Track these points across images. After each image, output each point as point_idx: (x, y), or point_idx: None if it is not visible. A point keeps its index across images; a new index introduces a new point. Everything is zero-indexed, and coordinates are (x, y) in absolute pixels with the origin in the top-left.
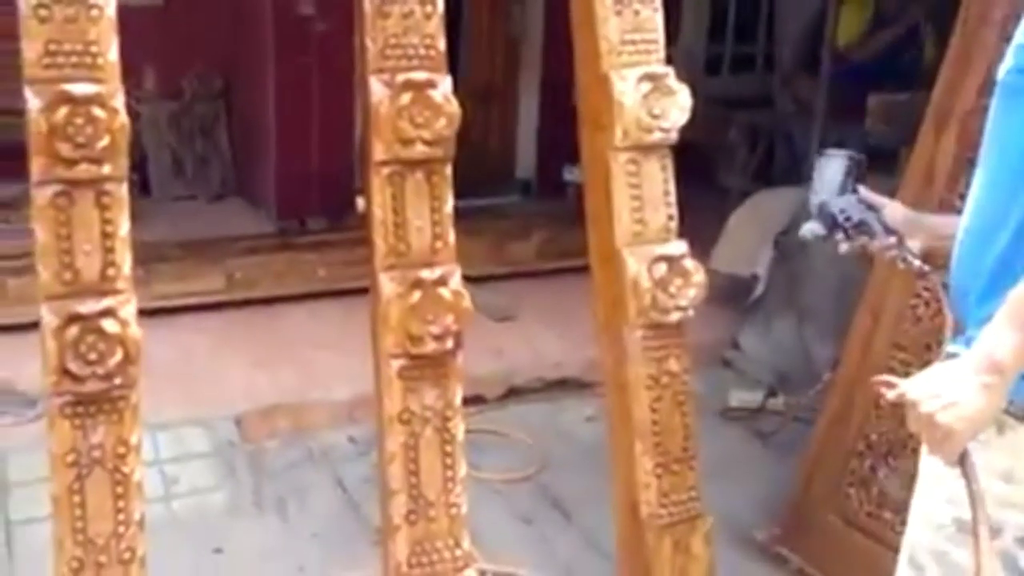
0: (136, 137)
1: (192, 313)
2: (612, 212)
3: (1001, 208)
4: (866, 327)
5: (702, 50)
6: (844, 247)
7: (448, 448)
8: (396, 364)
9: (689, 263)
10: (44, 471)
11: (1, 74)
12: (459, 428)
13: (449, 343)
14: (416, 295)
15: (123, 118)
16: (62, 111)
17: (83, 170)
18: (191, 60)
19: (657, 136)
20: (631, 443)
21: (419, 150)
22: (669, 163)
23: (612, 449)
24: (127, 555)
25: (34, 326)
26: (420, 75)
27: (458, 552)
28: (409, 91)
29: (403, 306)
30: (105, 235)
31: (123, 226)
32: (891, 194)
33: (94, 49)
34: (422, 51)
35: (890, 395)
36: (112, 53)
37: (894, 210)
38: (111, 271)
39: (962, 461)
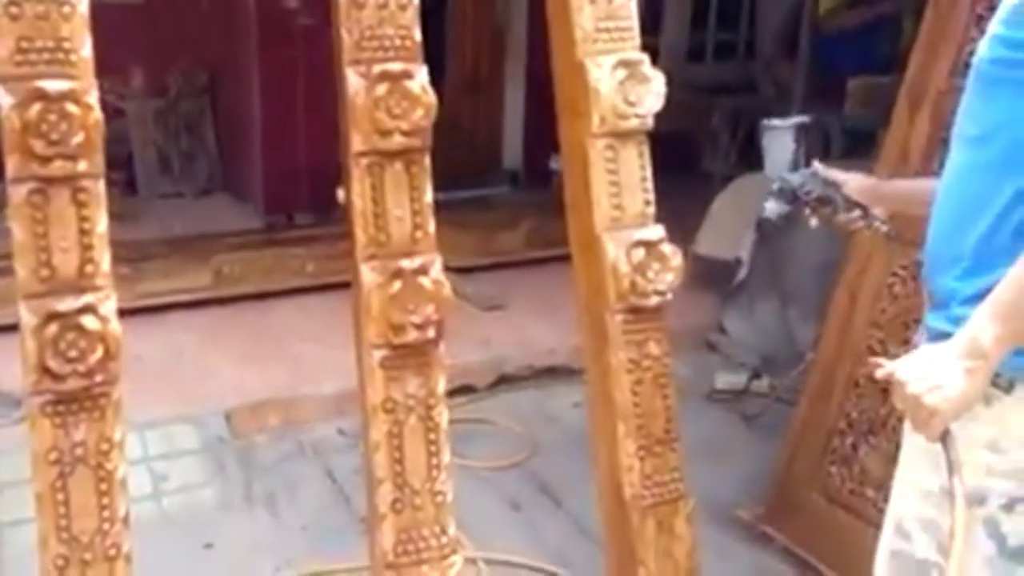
0: (122, 135)
1: (180, 310)
2: (591, 198)
3: (984, 190)
4: (844, 307)
5: (685, 38)
6: (813, 222)
7: (432, 436)
8: (378, 354)
9: (667, 247)
10: (31, 472)
11: None
12: (443, 416)
13: (431, 332)
14: (397, 285)
15: (97, 114)
16: (35, 108)
17: (58, 167)
18: (176, 56)
19: (633, 122)
20: (614, 426)
21: (397, 141)
22: (646, 149)
23: (595, 433)
24: (112, 552)
25: (17, 327)
26: (396, 66)
27: (444, 539)
28: (385, 82)
29: (384, 296)
30: (82, 232)
31: (100, 223)
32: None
33: (67, 45)
34: (398, 42)
35: (879, 373)
36: (85, 49)
37: (855, 181)
38: (89, 268)
39: (943, 438)
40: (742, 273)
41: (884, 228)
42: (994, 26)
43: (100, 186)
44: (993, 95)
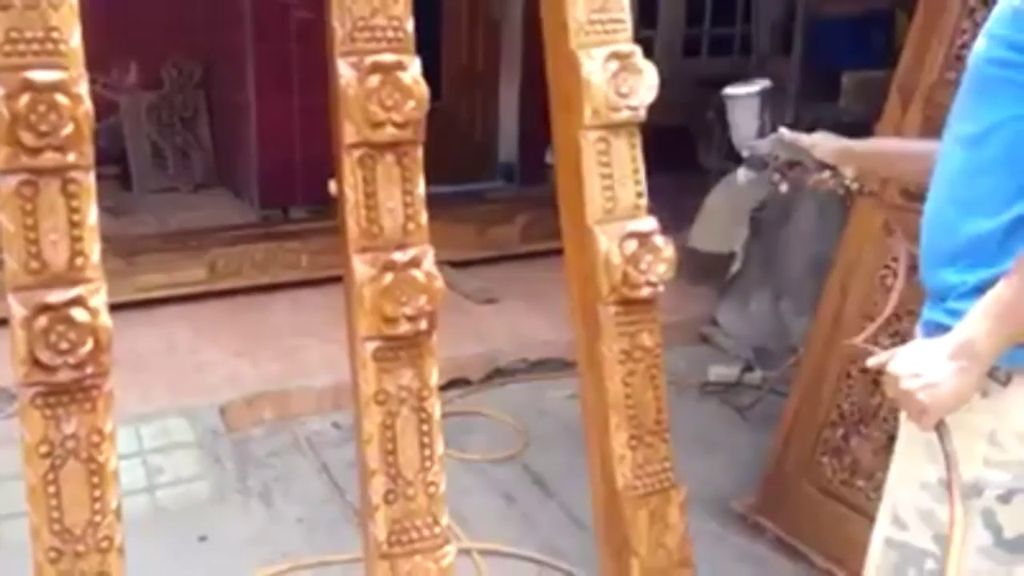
0: (116, 129)
1: (175, 304)
2: (583, 190)
3: (983, 188)
4: (836, 299)
5: (681, 33)
6: (783, 187)
7: (425, 427)
8: (371, 346)
9: (659, 239)
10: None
11: None
12: (436, 407)
13: (423, 324)
14: (389, 277)
15: (87, 105)
16: (24, 99)
17: (48, 158)
18: (170, 50)
19: (625, 114)
20: (606, 417)
21: (389, 132)
22: (638, 141)
23: (587, 423)
24: (105, 544)
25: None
26: (388, 57)
27: (436, 530)
28: (378, 73)
29: (376, 288)
30: (72, 224)
31: (91, 214)
32: None
33: (56, 36)
34: (390, 33)
35: (870, 362)
36: (75, 40)
37: (824, 143)
38: (79, 260)
39: (938, 429)
40: (735, 266)
41: (854, 186)
42: (995, 25)
43: (90, 178)
44: (993, 95)
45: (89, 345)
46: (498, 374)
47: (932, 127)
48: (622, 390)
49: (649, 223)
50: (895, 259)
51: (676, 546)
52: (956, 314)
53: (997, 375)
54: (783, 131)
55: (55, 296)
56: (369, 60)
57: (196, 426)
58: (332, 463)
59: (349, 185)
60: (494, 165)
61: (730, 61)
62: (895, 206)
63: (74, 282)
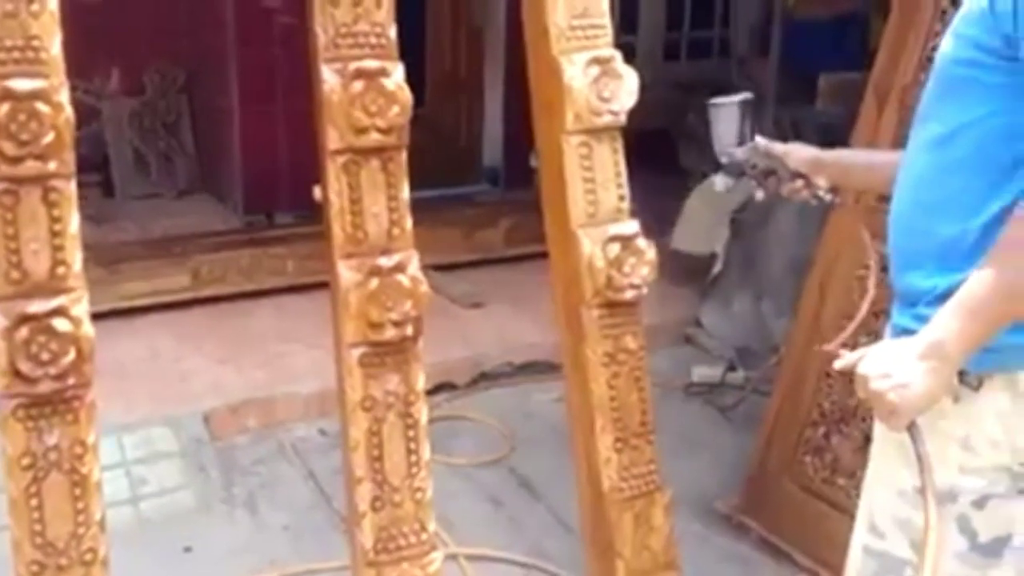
0: (98, 136)
1: (158, 312)
2: (566, 194)
3: (951, 190)
4: (815, 300)
5: (661, 37)
6: (759, 194)
7: (411, 433)
8: (357, 352)
9: (641, 242)
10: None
11: None
12: (422, 413)
13: (409, 329)
14: (374, 282)
15: (68, 113)
16: (4, 108)
17: (28, 167)
18: (152, 55)
19: (607, 119)
20: (591, 420)
21: (373, 138)
22: (620, 145)
23: (573, 426)
24: (88, 556)
25: None
26: (372, 63)
27: (424, 536)
28: (361, 79)
29: (362, 294)
30: (53, 233)
31: (72, 223)
32: None
33: (36, 44)
34: (373, 39)
35: (838, 364)
36: (55, 47)
37: (797, 152)
38: (61, 269)
39: (910, 430)
40: (717, 268)
41: (827, 197)
42: (961, 25)
43: (71, 186)
44: (960, 95)
45: (71, 355)
46: (484, 378)
47: (907, 128)
48: (607, 393)
49: (632, 226)
50: (866, 266)
51: (661, 548)
52: (925, 320)
53: (968, 380)
54: (759, 139)
55: (36, 306)
56: (353, 66)
57: (180, 435)
58: (318, 470)
59: (334, 191)
60: (479, 169)
61: (709, 64)
62: (871, 208)
63: (56, 292)
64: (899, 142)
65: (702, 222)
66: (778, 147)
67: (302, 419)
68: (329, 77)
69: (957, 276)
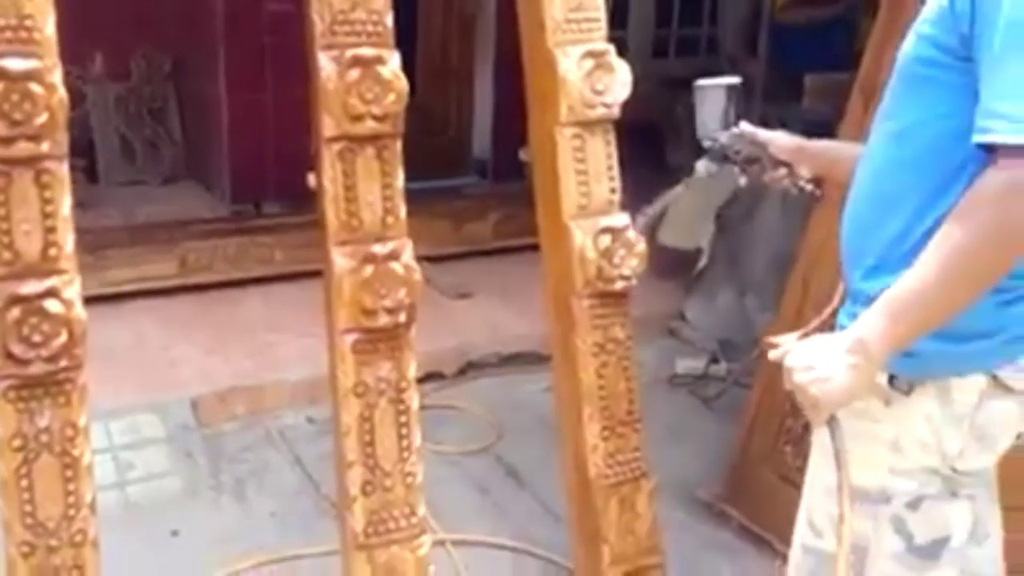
0: (83, 120)
1: (145, 299)
2: (559, 186)
3: (899, 189)
4: (798, 295)
5: (649, 34)
6: (742, 180)
7: (403, 419)
8: (350, 339)
9: (632, 234)
10: None
11: None
12: (414, 399)
13: (402, 316)
14: (368, 269)
15: (61, 94)
16: None
17: (21, 148)
18: (138, 40)
19: (600, 112)
20: (579, 408)
21: (369, 126)
22: (612, 138)
23: (560, 414)
24: (78, 538)
25: None
26: (368, 51)
27: (414, 520)
28: (357, 67)
29: (356, 281)
30: (45, 214)
31: (64, 205)
32: None
33: (29, 23)
34: (370, 27)
35: (772, 355)
36: (49, 28)
37: (780, 140)
38: (53, 251)
39: (829, 425)
40: (702, 262)
41: (809, 188)
42: (922, 25)
43: (64, 168)
44: (917, 93)
45: (63, 337)
46: (472, 368)
47: None
48: (595, 381)
49: (623, 218)
50: None
51: (645, 533)
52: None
53: (899, 385)
54: (743, 125)
55: (28, 287)
56: (349, 54)
57: (167, 421)
58: (306, 457)
59: (328, 178)
60: (468, 161)
61: (697, 62)
62: None
63: (47, 273)
64: None
65: (688, 217)
66: (762, 134)
67: (289, 407)
68: (325, 64)
69: (892, 278)
